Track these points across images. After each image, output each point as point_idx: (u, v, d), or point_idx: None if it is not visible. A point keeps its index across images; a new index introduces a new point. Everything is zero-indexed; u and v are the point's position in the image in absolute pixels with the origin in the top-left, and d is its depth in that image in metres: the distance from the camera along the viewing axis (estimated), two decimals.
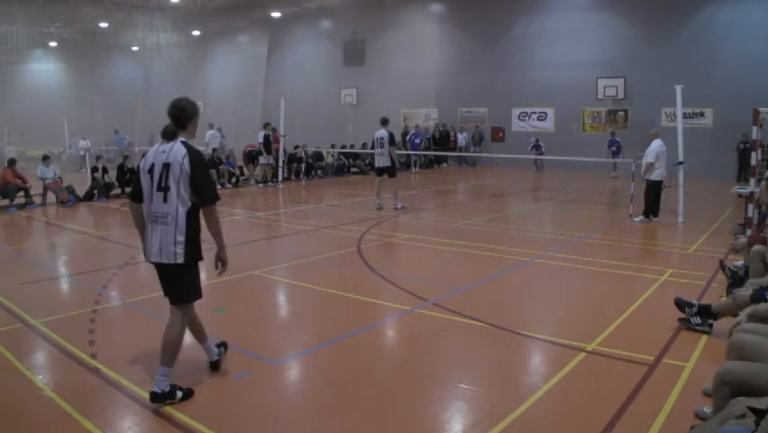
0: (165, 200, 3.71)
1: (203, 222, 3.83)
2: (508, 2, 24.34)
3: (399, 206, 12.38)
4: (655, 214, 10.80)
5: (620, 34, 21.72)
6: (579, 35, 22.50)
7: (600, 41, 22.12)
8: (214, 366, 4.25)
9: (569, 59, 22.54)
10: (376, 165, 12.78)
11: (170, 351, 3.79)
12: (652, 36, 20.94)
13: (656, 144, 10.58)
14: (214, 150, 18.16)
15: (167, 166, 3.70)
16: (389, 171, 12.48)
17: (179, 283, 3.86)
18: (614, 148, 19.29)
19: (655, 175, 10.59)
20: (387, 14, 27.84)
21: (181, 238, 3.72)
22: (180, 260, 3.74)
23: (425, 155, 23.88)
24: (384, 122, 12.69)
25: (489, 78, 24.74)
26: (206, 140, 19.63)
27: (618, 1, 21.75)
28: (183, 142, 3.79)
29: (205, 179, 3.84)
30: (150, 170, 3.75)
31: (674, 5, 20.38)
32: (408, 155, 23.00)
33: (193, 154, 3.76)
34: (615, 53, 21.66)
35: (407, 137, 24.03)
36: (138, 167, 3.92)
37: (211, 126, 20.84)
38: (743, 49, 18.98)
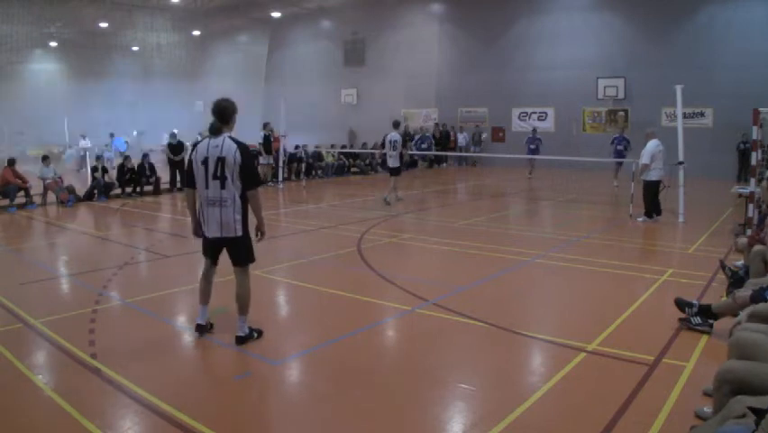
0: (223, 187, 4.57)
1: None
2: (508, 2, 24.35)
3: (398, 195, 13.45)
4: (658, 213, 10.79)
5: (620, 34, 21.72)
6: (579, 35, 22.50)
7: (600, 41, 22.12)
8: (239, 340, 4.81)
9: (569, 59, 22.54)
10: (388, 165, 13.56)
11: (245, 301, 4.79)
12: (652, 36, 20.94)
13: (651, 145, 10.57)
14: None
15: (221, 159, 4.53)
16: (398, 171, 13.45)
17: (240, 250, 4.77)
18: (620, 147, 16.98)
19: (651, 175, 10.59)
20: (387, 14, 27.85)
21: (239, 217, 4.65)
22: (240, 233, 4.69)
23: (425, 155, 23.88)
24: (396, 125, 13.74)
25: (489, 78, 24.74)
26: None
27: (618, 1, 21.75)
28: (231, 138, 4.62)
29: (253, 169, 4.79)
30: (205, 162, 4.58)
31: (674, 5, 20.38)
32: (411, 155, 23.07)
33: (242, 148, 4.61)
34: (615, 53, 21.66)
35: (413, 141, 23.99)
36: (190, 158, 4.73)
37: None
38: (743, 49, 18.97)
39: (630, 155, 15.60)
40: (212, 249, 4.89)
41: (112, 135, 25.70)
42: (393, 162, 13.29)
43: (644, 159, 10.57)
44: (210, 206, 4.63)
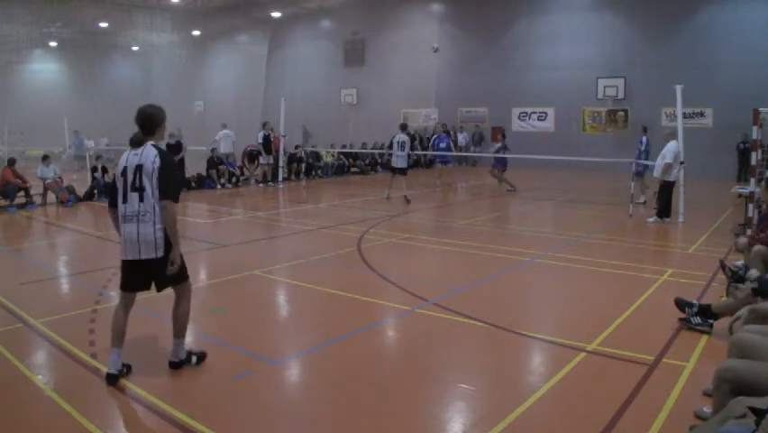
0: (141, 199, 3.93)
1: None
2: (508, 2, 24.35)
3: (390, 194, 14.22)
4: (668, 215, 10.79)
5: (620, 34, 21.72)
6: (579, 35, 22.51)
7: (600, 41, 22.12)
8: (173, 366, 4.27)
9: (569, 59, 22.54)
10: (395, 165, 14.31)
11: (183, 323, 4.25)
12: (652, 36, 20.94)
13: (673, 145, 10.58)
14: (213, 150, 18.07)
15: (140, 167, 3.94)
16: (405, 171, 14.21)
17: (167, 272, 4.06)
18: (643, 149, 13.34)
19: (672, 176, 10.60)
20: (387, 14, 27.84)
21: (161, 234, 3.95)
22: (161, 253, 3.98)
23: (425, 155, 23.83)
24: (404, 127, 14.64)
25: (489, 78, 24.75)
26: (217, 138, 19.02)
27: (618, 1, 21.75)
28: (153, 145, 4.03)
29: (171, 177, 4.03)
30: (124, 172, 3.99)
31: (674, 5, 20.38)
32: (417, 156, 23.14)
33: (163, 154, 4.00)
34: (615, 53, 21.67)
35: (431, 141, 23.85)
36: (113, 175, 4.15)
37: (224, 126, 20.29)
38: (743, 48, 18.98)
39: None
40: (133, 277, 4.10)
41: (76, 132, 25.17)
42: (400, 163, 14.12)
43: (668, 158, 10.54)
44: (127, 222, 3.95)
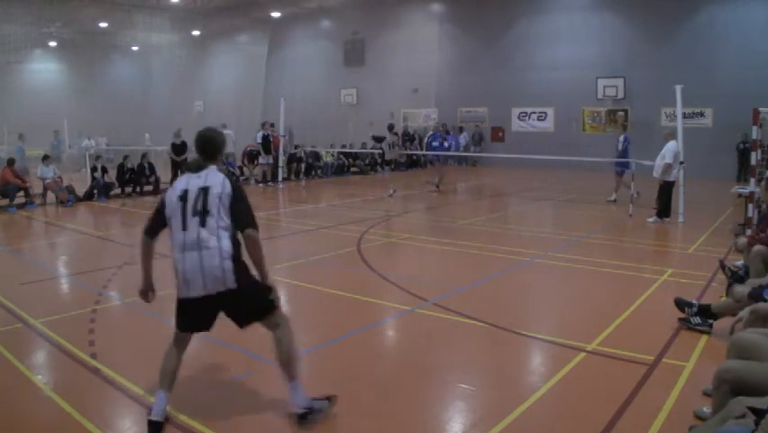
0: (203, 224, 3.39)
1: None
2: (508, 2, 24.34)
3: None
4: (667, 215, 10.79)
5: (620, 34, 21.72)
6: (579, 35, 22.50)
7: (600, 41, 22.11)
8: (302, 418, 3.55)
9: (569, 59, 22.53)
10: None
11: (292, 360, 3.56)
12: (651, 36, 20.94)
13: (673, 145, 10.59)
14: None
15: (205, 190, 3.44)
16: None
17: (249, 301, 3.51)
18: (620, 148, 13.91)
19: (672, 176, 10.60)
20: (387, 14, 27.83)
21: (228, 264, 3.39)
22: (233, 285, 3.40)
23: (424, 155, 23.81)
24: (390, 127, 15.12)
25: (488, 77, 24.74)
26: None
27: (618, 1, 21.73)
28: (219, 170, 3.59)
29: (247, 204, 3.53)
30: (183, 196, 3.45)
31: (674, 5, 20.37)
32: (408, 155, 23.08)
33: (232, 180, 3.58)
34: (615, 53, 21.66)
35: (426, 139, 23.67)
36: (161, 201, 3.57)
37: (224, 126, 20.25)
38: (743, 49, 18.97)
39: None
40: (196, 316, 3.55)
41: (20, 137, 24.29)
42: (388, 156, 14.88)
43: (668, 158, 10.55)
44: (187, 251, 3.39)
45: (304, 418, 3.52)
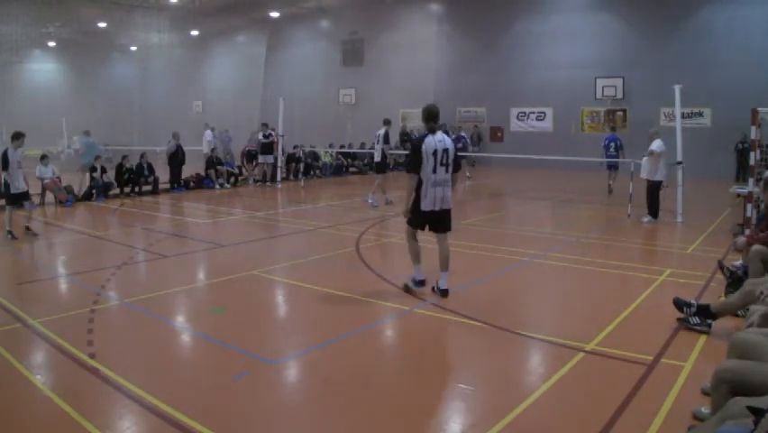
0: (447, 171, 5.91)
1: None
2: (507, 2, 24.34)
3: (370, 201, 13.24)
4: (655, 215, 10.78)
5: (619, 34, 21.73)
6: (577, 35, 22.51)
7: (599, 41, 22.12)
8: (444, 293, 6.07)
9: (567, 59, 22.54)
10: (375, 159, 14.07)
11: (448, 259, 6.09)
12: (650, 36, 20.95)
13: (658, 143, 10.59)
14: (213, 150, 18.10)
15: (446, 151, 5.88)
16: (378, 167, 13.62)
17: (449, 220, 6.12)
18: (612, 148, 15.12)
19: (657, 176, 10.59)
20: (386, 14, 27.82)
21: (450, 194, 6.02)
22: (451, 205, 6.09)
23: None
24: (386, 122, 13.88)
25: (487, 77, 24.73)
26: (208, 138, 19.60)
27: (617, 1, 21.75)
28: (446, 132, 6.09)
29: (458, 157, 6.23)
30: (434, 153, 5.81)
31: (673, 5, 20.39)
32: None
33: (452, 139, 6.18)
34: (613, 53, 21.66)
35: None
36: (421, 149, 5.83)
37: (207, 126, 20.74)
38: (741, 49, 18.98)
39: (625, 156, 15.55)
40: (426, 220, 6.04)
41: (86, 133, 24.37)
42: (376, 156, 13.67)
43: (654, 148, 10.50)
44: (438, 186, 5.88)
45: (446, 293, 6.04)
